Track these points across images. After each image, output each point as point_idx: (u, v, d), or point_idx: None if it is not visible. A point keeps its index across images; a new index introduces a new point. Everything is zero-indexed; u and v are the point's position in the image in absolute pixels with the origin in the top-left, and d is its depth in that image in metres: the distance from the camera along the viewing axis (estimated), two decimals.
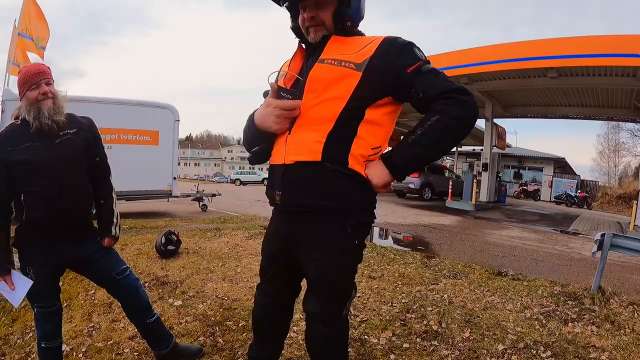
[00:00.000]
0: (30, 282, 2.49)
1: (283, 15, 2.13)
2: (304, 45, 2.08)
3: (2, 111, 9.83)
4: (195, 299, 4.17)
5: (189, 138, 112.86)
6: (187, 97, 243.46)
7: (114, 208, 2.77)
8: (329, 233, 1.94)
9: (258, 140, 2.12)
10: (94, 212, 2.76)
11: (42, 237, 2.52)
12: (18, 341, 4.17)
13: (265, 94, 2.09)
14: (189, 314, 3.85)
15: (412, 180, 19.51)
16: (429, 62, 1.84)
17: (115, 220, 2.75)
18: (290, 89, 1.95)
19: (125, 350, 3.35)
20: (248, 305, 3.88)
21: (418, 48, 1.88)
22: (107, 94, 12.32)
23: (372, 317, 3.79)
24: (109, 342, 3.51)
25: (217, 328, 3.56)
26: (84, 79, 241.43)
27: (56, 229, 2.50)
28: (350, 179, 1.86)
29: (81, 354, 3.42)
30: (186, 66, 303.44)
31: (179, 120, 12.54)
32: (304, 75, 1.95)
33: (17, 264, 2.60)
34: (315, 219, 1.93)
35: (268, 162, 2.14)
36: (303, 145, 1.88)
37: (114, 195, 2.80)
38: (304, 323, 3.41)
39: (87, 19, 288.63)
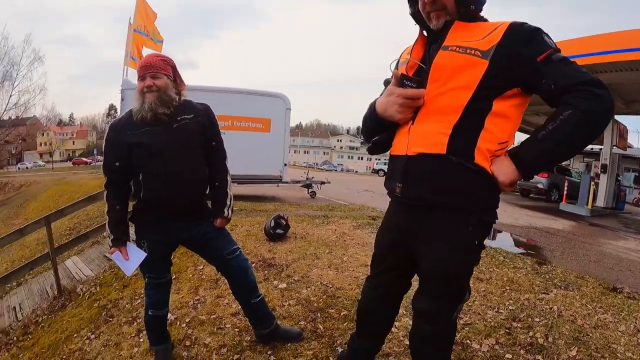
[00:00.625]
0: (143, 255, 2.62)
1: (390, 4, 2.03)
2: (425, 32, 1.98)
3: (122, 99, 10.69)
4: (299, 284, 4.19)
5: (299, 126, 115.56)
6: (295, 87, 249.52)
7: (228, 191, 2.82)
8: (449, 229, 1.85)
9: (379, 130, 2.07)
10: (208, 193, 2.84)
11: (157, 215, 2.64)
12: (127, 306, 4.52)
13: (386, 82, 2.03)
14: (292, 298, 3.86)
15: (540, 180, 18.13)
16: (559, 50, 1.68)
17: (228, 202, 2.80)
18: (413, 77, 1.87)
19: (227, 326, 3.44)
20: (351, 294, 3.84)
21: (547, 34, 1.72)
22: (218, 85, 12.88)
23: (477, 322, 3.57)
24: (212, 316, 3.64)
25: (318, 314, 3.53)
26: (196, 70, 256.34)
27: (171, 208, 2.60)
28: (474, 174, 1.75)
29: (184, 324, 3.59)
30: (293, 57, 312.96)
31: (290, 109, 12.78)
32: (426, 63, 1.86)
33: (132, 237, 2.73)
34: (435, 214, 1.85)
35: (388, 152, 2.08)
36: (427, 137, 1.80)
37: (229, 179, 2.85)
38: (406, 319, 3.32)
39: (199, 14, 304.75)
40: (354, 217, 7.89)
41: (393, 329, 3.17)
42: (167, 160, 2.53)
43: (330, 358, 2.90)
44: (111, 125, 2.67)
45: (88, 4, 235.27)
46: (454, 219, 1.82)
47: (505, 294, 4.35)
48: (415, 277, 2.12)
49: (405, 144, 1.87)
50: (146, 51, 13.09)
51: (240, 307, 3.17)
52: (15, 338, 5.66)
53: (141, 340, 3.58)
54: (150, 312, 2.88)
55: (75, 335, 4.39)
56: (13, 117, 42.24)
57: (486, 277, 4.86)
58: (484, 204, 1.84)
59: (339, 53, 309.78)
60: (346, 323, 3.36)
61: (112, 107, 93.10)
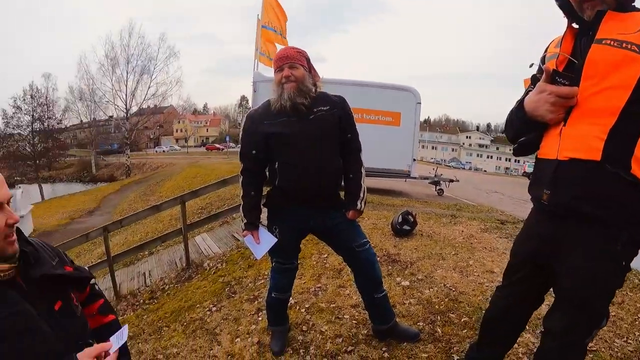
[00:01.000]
0: (274, 240, 2.66)
1: None
2: (574, 24, 1.76)
3: (254, 91, 11.00)
4: (422, 283, 3.98)
5: (427, 121, 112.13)
6: (423, 80, 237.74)
7: (362, 183, 2.75)
8: (596, 244, 1.65)
9: (526, 130, 1.89)
10: (342, 184, 2.79)
11: (291, 203, 2.65)
12: (249, 284, 4.64)
13: (534, 79, 1.83)
14: (413, 297, 3.68)
15: None
16: None
17: (361, 195, 2.72)
18: (565, 73, 1.66)
19: (345, 316, 3.37)
20: (474, 301, 3.56)
21: None
22: (347, 78, 12.95)
23: (602, 349, 3.07)
24: (331, 305, 3.59)
25: (438, 317, 3.32)
26: (324, 64, 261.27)
27: (305, 197, 2.60)
28: (631, 186, 1.55)
29: (304, 310, 3.59)
30: (421, 49, 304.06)
31: (420, 103, 12.38)
32: (577, 58, 1.67)
33: (264, 221, 2.77)
34: (583, 227, 1.67)
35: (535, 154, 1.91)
36: (581, 141, 1.61)
37: (363, 171, 2.78)
38: (528, 335, 2.99)
39: (327, 9, 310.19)
40: (482, 219, 7.38)
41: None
42: (303, 151, 2.53)
43: None
44: (248, 115, 2.73)
45: (215, 3, 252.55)
46: (602, 233, 1.63)
47: (637, 322, 3.71)
48: (549, 292, 1.98)
49: (555, 147, 1.70)
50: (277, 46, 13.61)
51: (361, 299, 3.10)
52: (142, 300, 6.15)
53: (260, 318, 3.65)
54: (273, 294, 2.94)
55: (197, 305, 4.60)
56: (152, 106, 46.30)
57: (618, 301, 4.20)
58: (637, 221, 1.61)
59: (468, 45, 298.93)
60: (465, 330, 3.12)
61: (243, 98, 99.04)
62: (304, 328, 3.30)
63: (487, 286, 3.80)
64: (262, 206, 2.81)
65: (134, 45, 41.34)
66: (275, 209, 2.75)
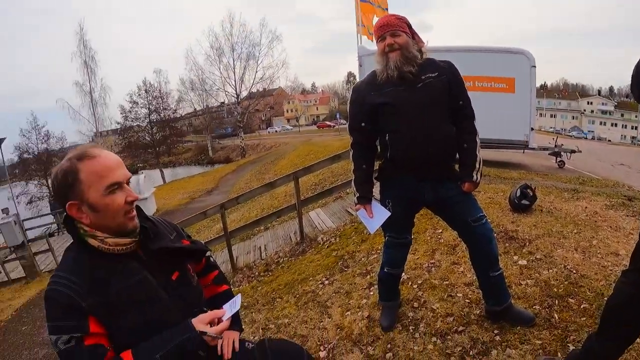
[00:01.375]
0: (387, 214, 2.58)
1: None
2: None
3: (360, 65, 10.82)
4: (541, 263, 3.70)
5: (543, 87, 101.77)
6: (538, 41, 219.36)
7: (477, 153, 2.60)
8: None
9: None
10: (456, 155, 2.66)
11: (403, 174, 2.58)
12: (362, 259, 4.66)
13: None
14: (531, 277, 3.44)
15: None
16: None
17: (477, 165, 2.58)
18: None
19: (458, 295, 3.26)
20: (596, 286, 3.22)
21: None
22: (456, 44, 12.32)
23: None
24: (444, 282, 3.48)
25: (556, 301, 3.06)
26: (429, 33, 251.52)
27: (418, 168, 2.51)
28: None
29: (416, 285, 3.52)
30: (533, 6, 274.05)
31: (535, 66, 11.39)
32: None
33: (377, 195, 2.72)
34: None
35: None
36: None
37: (478, 140, 2.63)
38: None
39: None
40: (607, 195, 6.71)
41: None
42: (413, 120, 2.44)
43: (559, 354, 2.50)
44: (354, 88, 2.69)
45: None
46: None
47: None
48: None
49: None
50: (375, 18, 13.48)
51: (475, 277, 2.95)
52: (257, 273, 6.49)
53: (371, 293, 3.65)
54: (385, 269, 2.91)
55: (310, 278, 4.74)
56: (261, 89, 48.08)
57: None
58: None
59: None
60: (584, 318, 2.83)
61: (350, 75, 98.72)
62: (415, 305, 3.24)
63: (611, 270, 3.44)
64: (374, 179, 2.73)
65: (237, 34, 43.40)
66: (387, 182, 2.69)
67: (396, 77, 2.42)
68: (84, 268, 1.33)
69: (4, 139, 14.99)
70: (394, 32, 2.43)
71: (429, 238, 4.52)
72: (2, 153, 14.79)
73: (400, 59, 2.40)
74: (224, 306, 1.51)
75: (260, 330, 3.92)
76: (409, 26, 2.52)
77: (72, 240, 1.41)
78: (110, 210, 1.35)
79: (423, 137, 2.43)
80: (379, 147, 2.65)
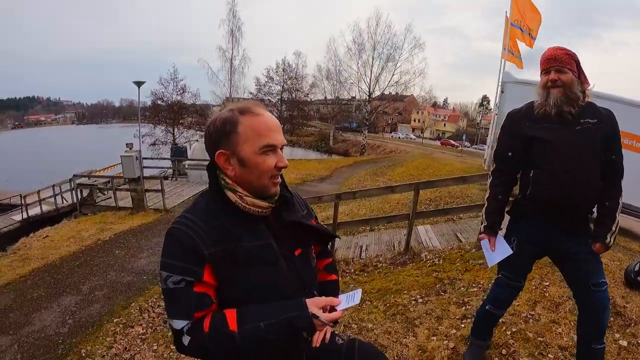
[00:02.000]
0: (509, 252, 2.50)
1: None
2: None
3: (502, 92, 10.42)
4: None
5: None
6: None
7: (617, 215, 2.45)
8: None
9: None
10: (594, 211, 2.54)
11: (537, 216, 2.49)
12: (462, 288, 4.59)
13: None
14: None
15: None
16: None
17: (614, 228, 2.43)
18: None
19: (549, 355, 3.15)
20: None
21: None
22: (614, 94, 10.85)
23: None
24: (539, 338, 3.38)
25: None
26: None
27: (556, 213, 2.42)
28: None
29: (509, 332, 3.44)
30: None
31: None
32: None
33: (503, 230, 2.65)
34: None
35: None
36: None
37: (620, 202, 2.47)
38: None
39: (575, 11, 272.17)
40: None
41: None
42: (564, 163, 2.33)
43: None
44: (510, 114, 2.60)
45: None
46: None
47: None
48: None
49: None
50: (520, 45, 12.99)
51: (573, 343, 2.87)
52: (352, 270, 6.62)
53: (462, 325, 3.63)
54: (487, 307, 2.82)
55: (405, 292, 4.77)
56: (393, 93, 47.91)
57: None
58: None
59: None
60: None
61: (484, 98, 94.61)
62: (503, 352, 3.17)
63: None
64: (505, 212, 2.65)
65: (381, 33, 43.75)
66: (518, 219, 2.61)
67: (554, 114, 2.34)
68: (216, 217, 1.36)
69: (143, 82, 16.08)
70: (560, 68, 2.34)
71: (533, 287, 4.35)
72: (139, 94, 15.99)
73: (562, 97, 2.32)
74: (340, 296, 1.45)
75: (342, 327, 3.99)
76: (578, 64, 2.41)
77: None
78: (259, 169, 1.35)
79: (572, 183, 2.31)
80: (519, 181, 2.57)
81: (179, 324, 1.28)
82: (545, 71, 2.40)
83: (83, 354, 5.21)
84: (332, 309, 1.37)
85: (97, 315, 6.51)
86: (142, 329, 5.80)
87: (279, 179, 1.44)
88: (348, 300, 1.44)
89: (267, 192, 1.40)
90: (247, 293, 1.34)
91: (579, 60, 2.42)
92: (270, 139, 1.35)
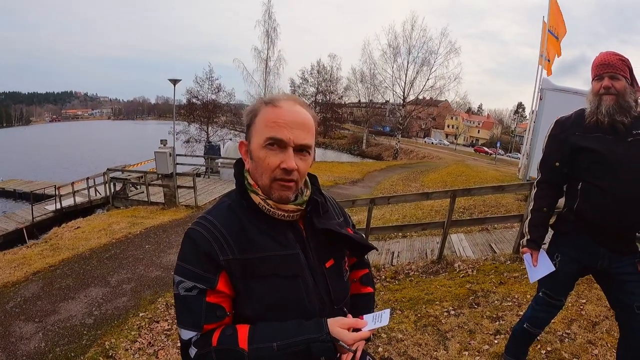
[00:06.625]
0: (552, 268, 2.39)
1: None
2: None
3: (540, 99, 10.13)
4: None
5: None
6: None
7: None
8: None
9: None
10: None
11: (583, 232, 2.36)
12: (496, 302, 4.44)
13: None
14: None
15: None
16: None
17: None
18: None
19: None
20: None
21: None
22: None
23: None
24: (574, 358, 3.25)
25: None
26: None
27: (604, 229, 2.28)
28: None
29: (544, 351, 3.32)
30: None
31: None
32: None
33: (545, 245, 2.54)
34: None
35: None
36: None
37: None
38: None
39: (617, 17, 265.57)
40: None
41: None
42: (619, 177, 2.17)
43: None
44: (558, 121, 2.46)
45: (502, 3, 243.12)
46: None
47: None
48: None
49: None
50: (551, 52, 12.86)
51: None
52: (383, 276, 6.47)
53: (496, 341, 3.50)
54: (525, 325, 2.70)
55: (437, 302, 4.63)
56: (428, 98, 47.57)
57: None
58: None
59: None
60: None
61: (520, 106, 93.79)
62: None
63: None
64: (549, 226, 2.52)
65: (416, 38, 43.49)
66: (562, 234, 2.47)
67: (606, 124, 2.20)
68: (237, 221, 1.23)
69: (179, 80, 16.46)
70: (614, 75, 2.21)
71: (570, 305, 4.15)
72: (174, 92, 16.27)
73: (614, 106, 2.19)
74: (365, 316, 1.32)
75: (371, 336, 3.90)
76: (631, 71, 2.27)
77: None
78: (260, 166, 1.21)
79: (624, 199, 2.17)
80: (565, 194, 2.45)
81: (187, 334, 1.18)
82: (597, 77, 2.27)
83: (107, 347, 5.21)
84: (357, 330, 1.23)
85: (124, 308, 6.55)
86: (168, 325, 5.78)
87: (289, 183, 1.21)
88: (375, 320, 1.31)
89: (269, 195, 1.22)
90: (265, 308, 1.20)
91: (631, 67, 2.28)
92: (275, 131, 1.18)
